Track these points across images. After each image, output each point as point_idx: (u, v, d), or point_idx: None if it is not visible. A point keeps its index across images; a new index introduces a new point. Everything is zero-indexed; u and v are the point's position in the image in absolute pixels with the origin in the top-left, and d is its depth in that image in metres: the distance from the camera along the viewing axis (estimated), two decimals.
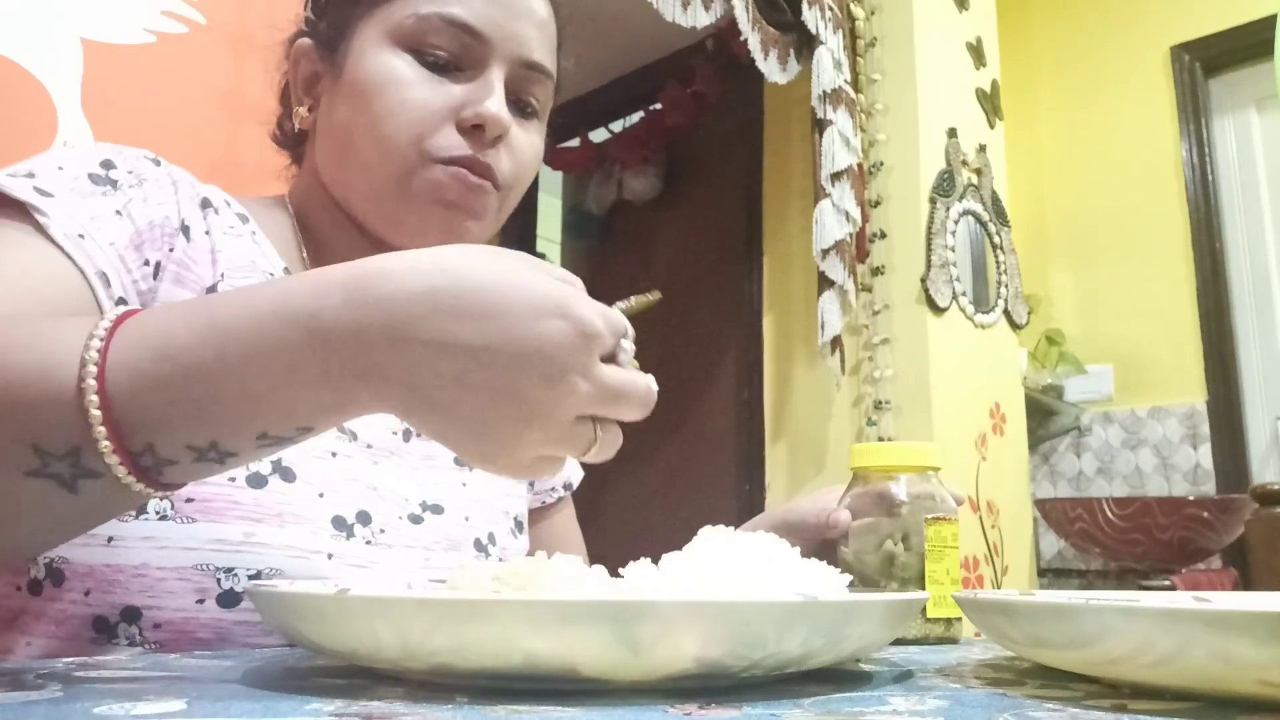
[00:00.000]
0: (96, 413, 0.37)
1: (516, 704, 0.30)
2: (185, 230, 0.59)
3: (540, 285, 0.38)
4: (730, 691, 0.34)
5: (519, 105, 0.68)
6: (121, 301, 0.54)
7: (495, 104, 0.63)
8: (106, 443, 0.37)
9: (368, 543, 0.61)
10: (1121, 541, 2.22)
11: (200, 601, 0.54)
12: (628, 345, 0.41)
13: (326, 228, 0.69)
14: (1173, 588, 2.04)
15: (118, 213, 0.56)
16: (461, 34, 0.63)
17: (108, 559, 0.53)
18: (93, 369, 0.37)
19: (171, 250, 0.58)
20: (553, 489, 0.85)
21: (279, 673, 0.39)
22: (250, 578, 0.55)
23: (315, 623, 0.35)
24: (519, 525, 0.76)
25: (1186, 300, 2.68)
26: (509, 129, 0.64)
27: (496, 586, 0.40)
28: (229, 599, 0.55)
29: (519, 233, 3.55)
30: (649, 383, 0.41)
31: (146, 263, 0.57)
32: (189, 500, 0.54)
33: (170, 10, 1.24)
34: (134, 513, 0.53)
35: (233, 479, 0.56)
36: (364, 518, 0.62)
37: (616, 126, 3.23)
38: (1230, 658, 0.28)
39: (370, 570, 0.61)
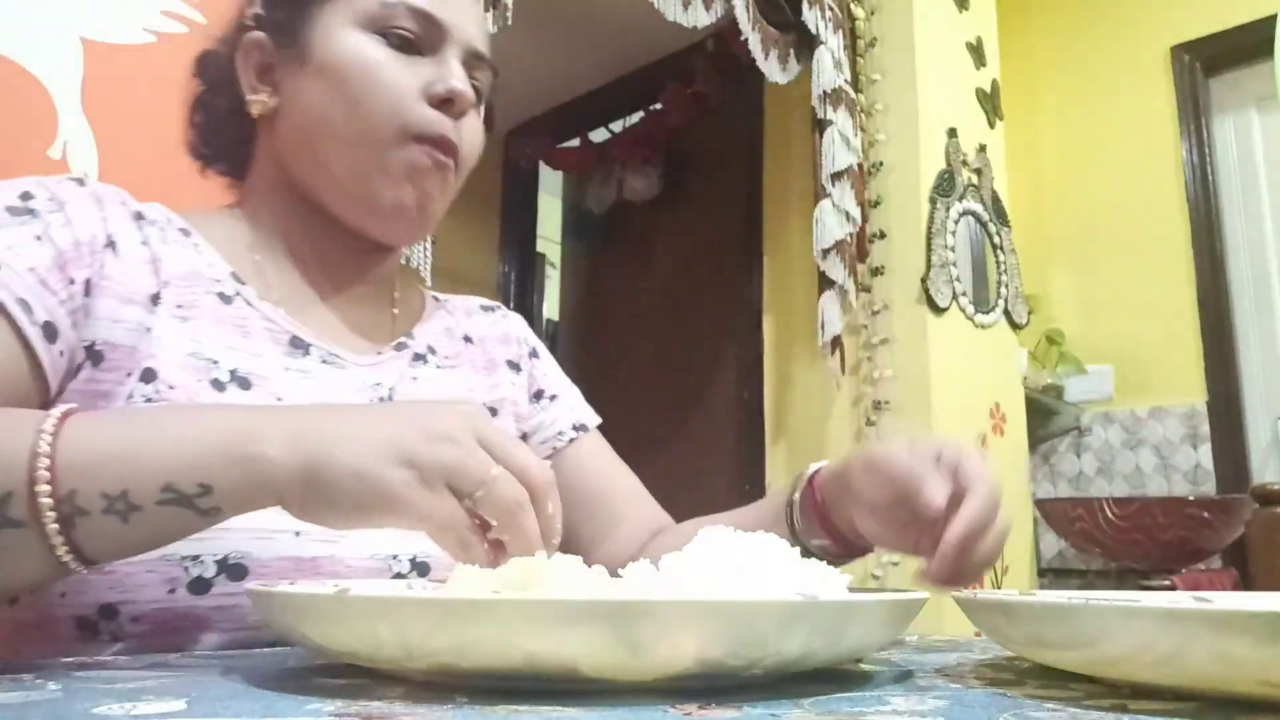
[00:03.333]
0: (47, 448, 0.42)
1: (516, 704, 0.30)
2: (113, 245, 0.60)
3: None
4: (730, 691, 0.34)
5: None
6: (48, 325, 0.55)
7: (460, 79, 0.68)
8: (45, 472, 0.42)
9: None
10: (1121, 541, 2.22)
11: (171, 591, 0.55)
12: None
13: (286, 223, 0.70)
14: (1173, 588, 2.04)
15: (37, 238, 0.57)
16: (422, 19, 0.68)
17: None
18: (52, 419, 0.44)
19: (103, 266, 0.59)
20: (560, 433, 0.82)
21: (279, 673, 0.39)
22: (217, 563, 0.56)
23: (315, 623, 0.35)
24: None
25: (1186, 300, 2.68)
26: (473, 103, 0.69)
27: (497, 587, 0.41)
28: (199, 586, 0.55)
29: (520, 233, 3.54)
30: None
31: (73, 281, 0.58)
32: None
33: (170, 10, 1.23)
34: None
35: None
36: None
37: (616, 126, 3.23)
38: (1230, 658, 0.28)
39: (339, 544, 0.60)
